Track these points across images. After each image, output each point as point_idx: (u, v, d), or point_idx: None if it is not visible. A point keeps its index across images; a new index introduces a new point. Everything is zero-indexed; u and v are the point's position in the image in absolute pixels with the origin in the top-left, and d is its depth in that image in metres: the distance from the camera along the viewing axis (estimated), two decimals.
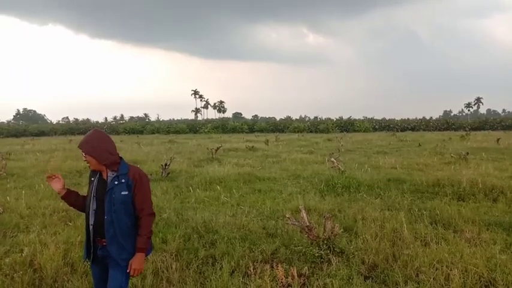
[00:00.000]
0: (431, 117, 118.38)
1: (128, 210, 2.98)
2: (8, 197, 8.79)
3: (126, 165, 3.06)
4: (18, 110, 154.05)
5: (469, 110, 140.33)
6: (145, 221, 3.02)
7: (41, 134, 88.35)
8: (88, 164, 3.02)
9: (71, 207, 3.23)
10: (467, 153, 16.38)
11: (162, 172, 12.44)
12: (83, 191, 3.33)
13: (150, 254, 3.24)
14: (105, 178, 3.02)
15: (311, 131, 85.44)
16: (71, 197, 3.12)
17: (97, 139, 2.98)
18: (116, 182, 2.95)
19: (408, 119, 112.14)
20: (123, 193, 2.94)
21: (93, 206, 2.99)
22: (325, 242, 5.01)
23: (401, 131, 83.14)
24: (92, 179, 3.08)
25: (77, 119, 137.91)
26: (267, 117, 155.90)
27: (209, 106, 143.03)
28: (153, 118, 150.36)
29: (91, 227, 2.99)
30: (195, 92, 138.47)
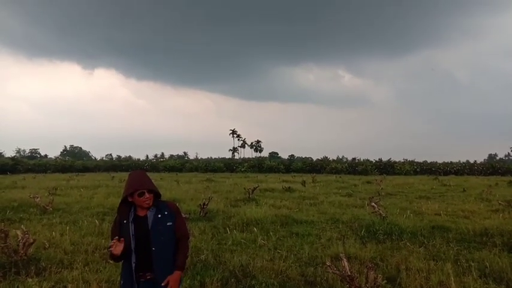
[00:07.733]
0: (475, 161, 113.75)
1: (173, 238, 3.22)
2: (53, 232, 9.13)
3: (162, 200, 3.34)
4: (65, 147, 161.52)
5: None
6: (185, 243, 3.29)
7: (85, 170, 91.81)
8: (146, 202, 3.15)
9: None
10: None
11: (200, 211, 12.56)
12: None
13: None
14: (142, 215, 3.19)
15: (349, 172, 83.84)
16: (121, 255, 3.06)
17: (148, 177, 3.29)
18: (160, 215, 3.19)
19: (451, 162, 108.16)
20: (168, 224, 3.20)
21: (132, 244, 3.09)
22: None
23: (443, 174, 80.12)
24: (125, 221, 3.17)
25: (119, 156, 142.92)
26: (304, 157, 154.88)
27: (246, 145, 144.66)
28: (192, 156, 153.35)
29: (133, 265, 3.09)
30: (233, 132, 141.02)
